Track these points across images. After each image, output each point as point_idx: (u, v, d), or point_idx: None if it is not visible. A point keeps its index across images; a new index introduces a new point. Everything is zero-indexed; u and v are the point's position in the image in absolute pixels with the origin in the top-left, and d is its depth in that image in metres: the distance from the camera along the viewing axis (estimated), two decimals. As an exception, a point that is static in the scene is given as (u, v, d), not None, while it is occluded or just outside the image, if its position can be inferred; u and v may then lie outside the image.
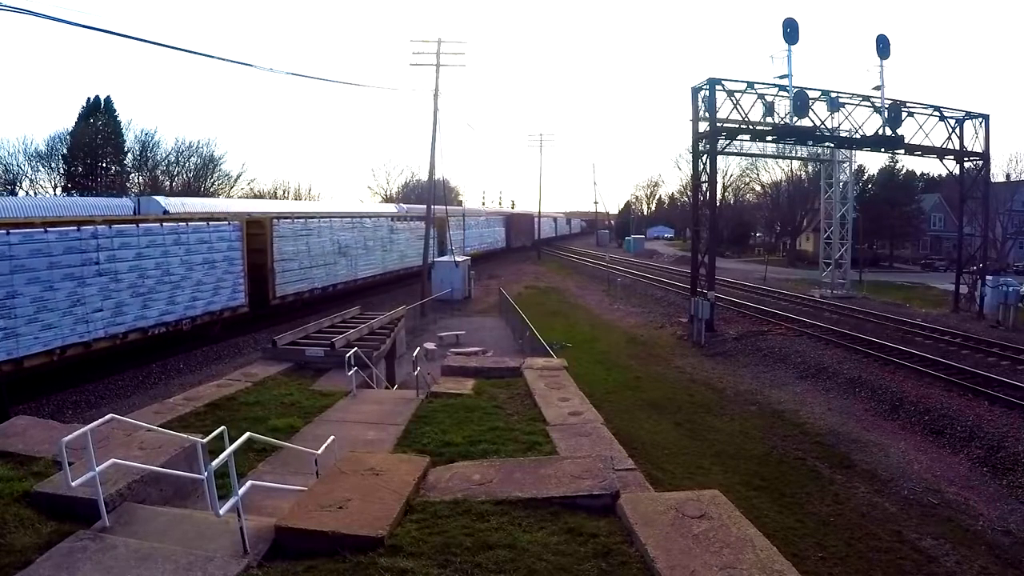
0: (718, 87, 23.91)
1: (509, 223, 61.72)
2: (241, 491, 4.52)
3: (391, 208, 42.21)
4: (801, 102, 24.88)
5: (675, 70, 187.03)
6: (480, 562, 4.37)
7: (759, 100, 24.90)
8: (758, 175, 69.74)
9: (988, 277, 28.63)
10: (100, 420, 5.23)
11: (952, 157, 28.70)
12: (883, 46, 26.81)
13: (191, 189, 52.12)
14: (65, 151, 47.69)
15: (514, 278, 43.24)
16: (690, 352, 22.25)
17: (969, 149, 28.28)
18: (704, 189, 25.67)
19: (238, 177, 59.60)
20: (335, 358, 11.83)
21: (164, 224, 18.40)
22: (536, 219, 71.22)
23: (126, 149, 51.58)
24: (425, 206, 31.10)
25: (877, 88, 26.60)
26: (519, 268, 51.26)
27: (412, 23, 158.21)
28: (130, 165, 52.27)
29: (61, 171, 47.87)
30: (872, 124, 26.68)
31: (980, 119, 28.19)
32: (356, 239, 29.09)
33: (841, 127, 26.68)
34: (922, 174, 64.40)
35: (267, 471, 6.80)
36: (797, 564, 5.04)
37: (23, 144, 51.56)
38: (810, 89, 25.29)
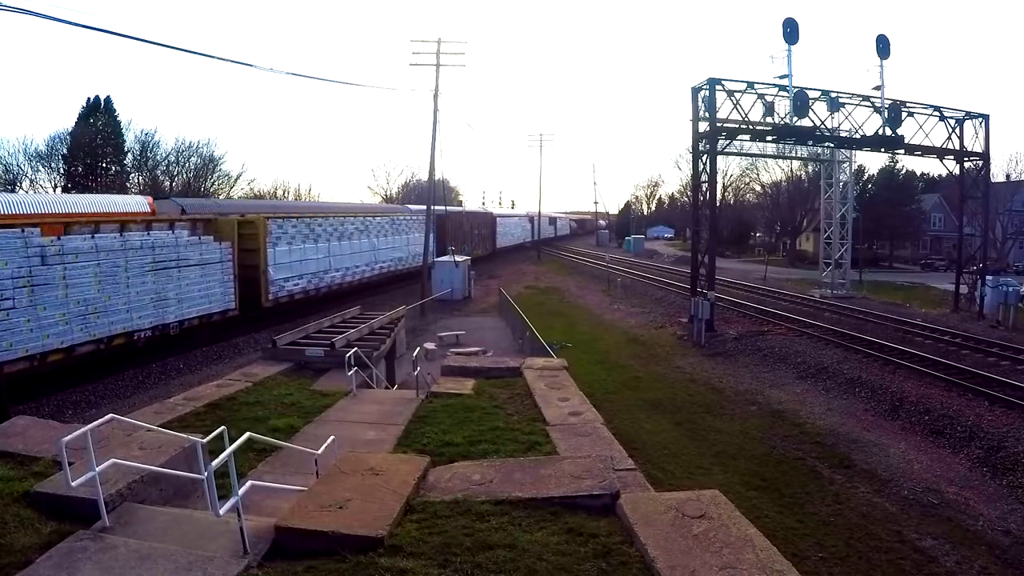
0: (718, 87, 23.91)
1: (443, 228, 38.86)
2: (241, 491, 4.52)
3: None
4: (801, 102, 24.87)
5: (675, 70, 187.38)
6: (480, 562, 4.37)
7: (759, 100, 24.89)
8: (758, 175, 69.83)
9: (988, 277, 28.62)
10: (100, 420, 5.23)
11: (952, 157, 28.69)
12: (883, 46, 26.81)
13: (191, 189, 52.15)
14: (65, 151, 47.75)
15: (514, 278, 43.23)
16: (690, 352, 22.24)
17: (969, 149, 28.27)
18: (704, 189, 25.65)
19: (238, 177, 59.71)
20: (335, 358, 11.83)
21: None
22: (495, 218, 56.74)
23: (126, 149, 51.64)
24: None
25: (877, 88, 26.60)
26: (519, 268, 51.23)
27: (412, 23, 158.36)
28: (130, 165, 52.32)
29: (61, 171, 47.94)
30: (872, 124, 26.73)
31: (980, 119, 28.18)
32: None
33: (841, 127, 26.70)
34: (922, 174, 64.51)
35: (267, 471, 6.79)
36: (797, 564, 5.04)
37: (23, 144, 51.71)
38: (810, 89, 25.29)
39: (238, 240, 20.69)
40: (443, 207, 32.47)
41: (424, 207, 31.70)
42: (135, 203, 22.14)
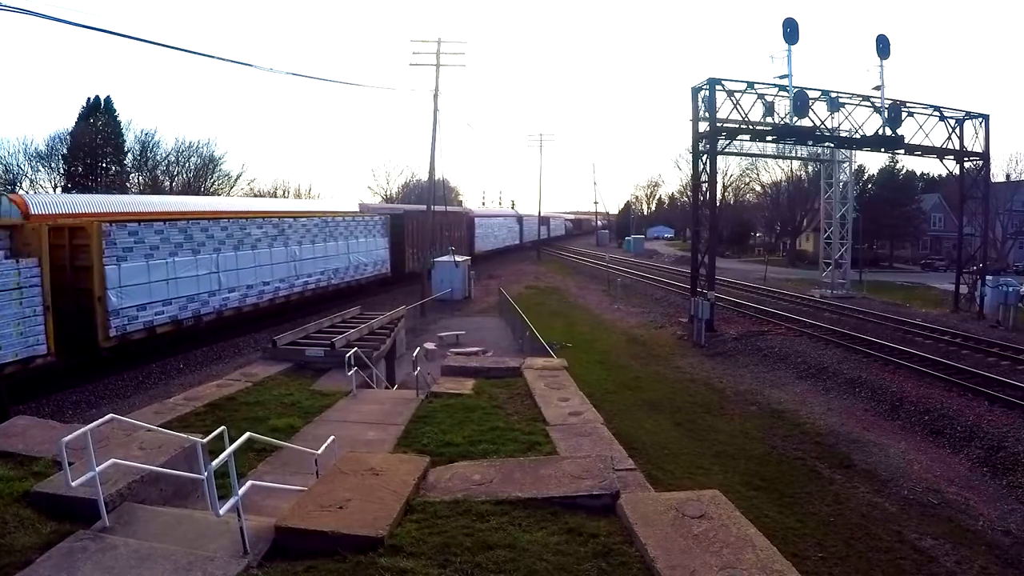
0: (718, 87, 23.91)
1: (401, 230, 33.12)
2: (241, 491, 4.52)
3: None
4: (801, 102, 24.88)
5: (675, 70, 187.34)
6: (480, 562, 4.37)
7: (759, 100, 24.89)
8: (758, 175, 69.81)
9: (988, 277, 28.63)
10: (100, 420, 5.23)
11: (952, 157, 28.70)
12: (883, 46, 26.82)
13: (191, 189, 52.17)
14: (65, 151, 47.74)
15: (514, 279, 43.21)
16: (690, 352, 22.24)
17: (969, 149, 28.28)
18: (704, 189, 25.66)
19: (238, 177, 59.69)
20: (335, 358, 11.82)
21: None
22: (473, 218, 49.70)
23: (126, 149, 51.62)
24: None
25: (877, 88, 26.62)
26: (519, 268, 51.20)
27: (412, 23, 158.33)
28: (130, 165, 52.31)
29: (61, 171, 47.93)
30: (872, 124, 26.75)
31: (980, 119, 28.19)
32: None
33: (841, 127, 26.71)
34: (922, 174, 64.55)
35: (267, 471, 6.79)
36: (797, 564, 5.04)
37: (23, 144, 51.64)
38: (810, 89, 25.30)
39: (70, 253, 15.30)
40: (401, 207, 31.23)
41: (375, 206, 30.49)
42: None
